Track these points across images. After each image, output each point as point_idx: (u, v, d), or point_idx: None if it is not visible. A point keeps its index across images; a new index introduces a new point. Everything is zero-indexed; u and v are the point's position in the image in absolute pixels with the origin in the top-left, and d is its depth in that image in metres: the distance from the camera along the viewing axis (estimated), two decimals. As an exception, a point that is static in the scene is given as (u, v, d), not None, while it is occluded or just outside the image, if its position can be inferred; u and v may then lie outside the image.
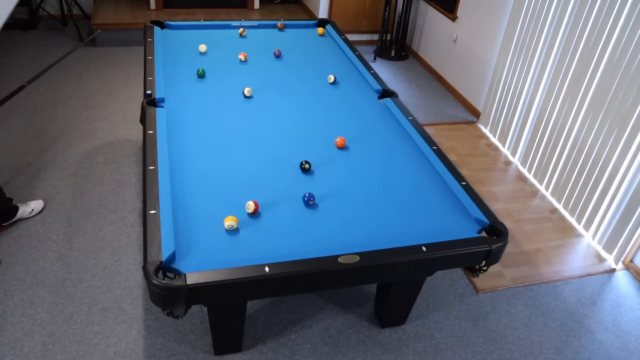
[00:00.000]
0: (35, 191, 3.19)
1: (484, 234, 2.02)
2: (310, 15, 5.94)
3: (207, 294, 1.70)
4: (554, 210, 3.48)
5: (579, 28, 3.25)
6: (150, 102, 2.63)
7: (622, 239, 3.02)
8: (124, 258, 2.78)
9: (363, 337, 2.48)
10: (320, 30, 3.78)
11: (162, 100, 2.67)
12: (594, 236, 3.23)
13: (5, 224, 2.93)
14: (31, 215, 3.02)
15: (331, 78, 3.05)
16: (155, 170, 2.10)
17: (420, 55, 5.60)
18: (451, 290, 2.79)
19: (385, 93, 2.95)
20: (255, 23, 3.78)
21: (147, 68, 2.98)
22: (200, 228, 1.90)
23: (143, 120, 2.54)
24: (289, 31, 3.77)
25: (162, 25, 3.60)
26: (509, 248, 3.09)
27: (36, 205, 3.05)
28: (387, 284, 2.33)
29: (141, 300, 2.56)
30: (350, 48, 3.48)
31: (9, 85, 4.23)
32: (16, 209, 2.95)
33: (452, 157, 3.90)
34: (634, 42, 2.86)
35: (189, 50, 3.29)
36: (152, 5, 5.72)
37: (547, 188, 3.63)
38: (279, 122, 2.63)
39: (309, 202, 2.07)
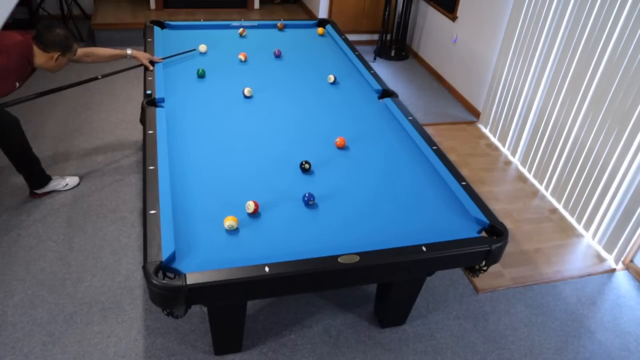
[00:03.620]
0: (35, 191, 3.20)
1: (484, 234, 2.02)
2: (310, 15, 5.94)
3: (207, 294, 1.70)
4: (554, 210, 3.48)
5: (579, 28, 3.25)
6: (150, 102, 2.63)
7: (622, 239, 3.02)
8: (124, 258, 2.78)
9: (363, 337, 2.48)
10: (320, 30, 3.78)
11: (162, 100, 2.67)
12: (594, 236, 3.23)
13: (38, 192, 3.11)
14: (65, 189, 3.19)
15: (331, 78, 3.05)
16: (155, 170, 2.10)
17: (420, 55, 5.60)
18: (451, 290, 2.79)
19: (385, 93, 2.95)
20: (255, 23, 3.78)
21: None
22: (200, 228, 1.90)
23: (143, 120, 2.54)
24: (289, 31, 3.77)
25: (162, 25, 3.60)
26: (509, 248, 3.09)
27: (71, 180, 3.23)
28: (387, 284, 2.33)
29: (141, 300, 2.56)
30: (350, 48, 3.48)
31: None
32: (49, 179, 3.12)
33: (452, 157, 3.90)
34: (634, 42, 2.86)
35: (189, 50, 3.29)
36: (152, 5, 5.72)
37: (547, 188, 3.63)
38: (279, 122, 2.63)
39: (309, 202, 2.07)
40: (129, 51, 3.04)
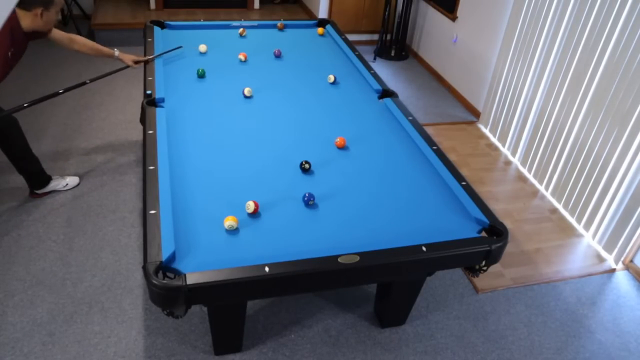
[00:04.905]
0: (35, 191, 3.19)
1: (484, 234, 2.02)
2: (310, 15, 5.94)
3: (207, 294, 1.70)
4: (554, 210, 3.48)
5: (579, 28, 3.25)
6: (150, 102, 2.63)
7: (622, 239, 3.02)
8: (124, 258, 2.78)
9: (363, 337, 2.48)
10: (320, 30, 3.78)
11: (162, 100, 2.67)
12: (594, 236, 3.23)
13: (38, 192, 3.12)
14: (65, 189, 3.20)
15: (331, 78, 3.05)
16: (155, 170, 2.10)
17: (420, 55, 5.60)
18: (451, 290, 2.79)
19: (385, 93, 2.95)
20: (255, 23, 3.78)
21: (147, 68, 2.98)
22: (200, 228, 1.90)
23: (143, 120, 2.54)
24: (289, 31, 3.77)
25: (162, 25, 3.60)
26: (509, 248, 3.09)
27: (71, 180, 3.25)
28: (387, 284, 2.33)
29: (141, 300, 2.56)
30: (350, 48, 3.48)
31: (10, 86, 4.23)
32: (49, 179, 3.13)
33: (452, 157, 3.90)
34: (634, 42, 2.86)
35: (189, 50, 3.29)
36: (152, 5, 5.72)
37: (547, 188, 3.63)
38: (279, 122, 2.63)
39: (309, 202, 2.07)
40: (116, 52, 3.05)
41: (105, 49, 3.07)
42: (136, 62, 3.09)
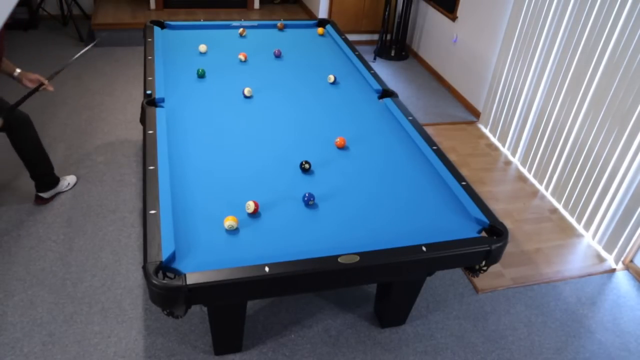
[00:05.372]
0: (35, 191, 3.19)
1: (484, 234, 2.02)
2: (310, 15, 5.94)
3: (207, 294, 1.70)
4: (554, 210, 3.48)
5: (579, 28, 3.25)
6: (150, 102, 2.63)
7: (622, 239, 3.02)
8: (124, 258, 2.78)
9: (363, 337, 2.48)
10: (320, 30, 3.77)
11: (162, 100, 2.67)
12: (594, 236, 3.23)
13: (46, 196, 3.10)
14: (67, 188, 3.22)
15: (331, 78, 3.05)
16: (155, 170, 2.10)
17: (420, 55, 5.60)
18: (451, 290, 2.79)
19: (385, 93, 2.95)
20: (255, 23, 3.78)
21: (147, 68, 2.98)
22: (200, 228, 1.90)
23: (143, 120, 2.55)
24: (289, 31, 3.77)
25: (162, 25, 3.60)
26: (509, 248, 3.09)
27: (70, 179, 3.28)
28: (387, 284, 2.33)
29: (141, 300, 2.56)
30: (350, 48, 3.48)
31: (9, 86, 4.23)
32: (57, 180, 3.15)
33: (452, 157, 3.90)
34: (634, 42, 2.86)
35: (189, 50, 3.29)
36: (152, 5, 5.72)
37: (547, 188, 3.63)
38: (279, 122, 2.63)
39: (309, 202, 2.07)
40: (16, 72, 2.72)
41: (7, 64, 2.70)
42: (46, 81, 2.74)
